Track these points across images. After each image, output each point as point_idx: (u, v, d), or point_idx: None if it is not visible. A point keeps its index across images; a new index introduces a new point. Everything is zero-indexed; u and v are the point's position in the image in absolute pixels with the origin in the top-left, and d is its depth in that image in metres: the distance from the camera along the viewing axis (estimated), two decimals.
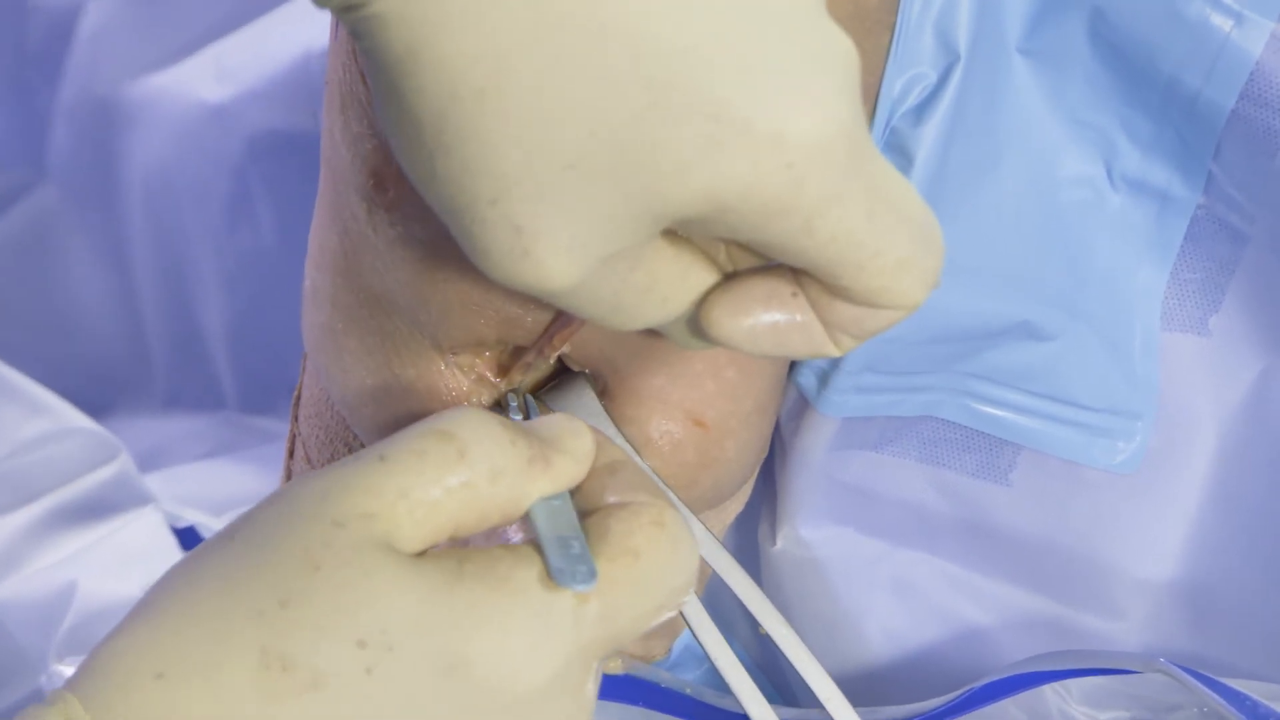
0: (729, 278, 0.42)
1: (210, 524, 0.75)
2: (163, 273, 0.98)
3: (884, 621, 0.65)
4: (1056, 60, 0.55)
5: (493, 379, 0.54)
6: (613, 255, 0.39)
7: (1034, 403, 0.59)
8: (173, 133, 0.93)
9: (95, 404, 0.85)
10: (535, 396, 0.54)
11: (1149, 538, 0.60)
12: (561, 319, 0.51)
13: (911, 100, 0.54)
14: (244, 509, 0.38)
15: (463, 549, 0.40)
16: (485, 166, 0.37)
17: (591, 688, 0.40)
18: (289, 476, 0.65)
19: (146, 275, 0.99)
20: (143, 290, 0.99)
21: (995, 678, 0.57)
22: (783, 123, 0.36)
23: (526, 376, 0.54)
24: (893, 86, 0.53)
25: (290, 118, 0.90)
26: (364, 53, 0.37)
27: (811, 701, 0.53)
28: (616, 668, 0.59)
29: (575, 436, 0.43)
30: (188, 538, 0.74)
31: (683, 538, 0.42)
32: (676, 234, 0.41)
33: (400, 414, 0.54)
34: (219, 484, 0.86)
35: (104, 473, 0.75)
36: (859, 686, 0.65)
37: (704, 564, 0.52)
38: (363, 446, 0.58)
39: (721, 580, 0.52)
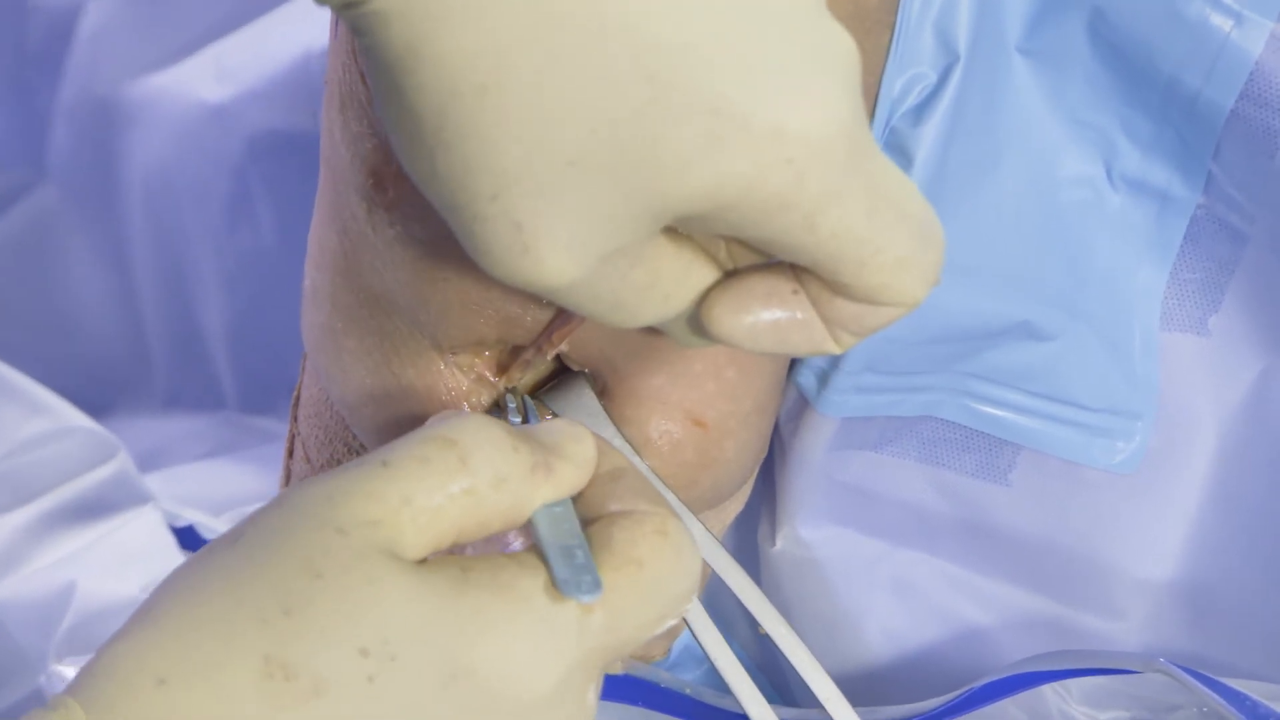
0: (729, 275, 0.42)
1: (210, 524, 0.75)
2: (163, 273, 0.98)
3: (884, 621, 0.65)
4: (1056, 60, 0.54)
5: (492, 379, 0.54)
6: (613, 252, 0.39)
7: (1034, 403, 0.59)
8: (173, 133, 0.93)
9: (95, 404, 0.85)
10: (534, 397, 0.54)
11: (1149, 538, 0.60)
12: (561, 316, 0.51)
13: (911, 100, 0.54)
14: (244, 509, 0.38)
15: (465, 556, 0.40)
16: (486, 163, 0.37)
17: (593, 695, 0.40)
18: (288, 476, 0.65)
19: (146, 275, 0.99)
20: (143, 290, 0.99)
21: (995, 678, 0.57)
22: (783, 119, 0.36)
23: (526, 374, 0.54)
24: (892, 86, 0.53)
25: (290, 118, 0.90)
26: (364, 50, 0.37)
27: (811, 701, 0.53)
28: (616, 668, 0.59)
29: (577, 442, 0.43)
30: (187, 537, 0.74)
31: (686, 546, 0.42)
32: (677, 231, 0.41)
33: (400, 414, 0.54)
34: (219, 484, 0.85)
35: (103, 472, 0.74)
36: (859, 686, 0.65)
37: (704, 564, 0.52)
38: (362, 447, 0.58)
39: (721, 580, 0.52)
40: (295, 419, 0.63)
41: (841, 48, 0.37)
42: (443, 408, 0.54)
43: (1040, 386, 0.58)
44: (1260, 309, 0.56)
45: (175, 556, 0.71)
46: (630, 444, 0.53)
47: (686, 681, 0.61)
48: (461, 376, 0.53)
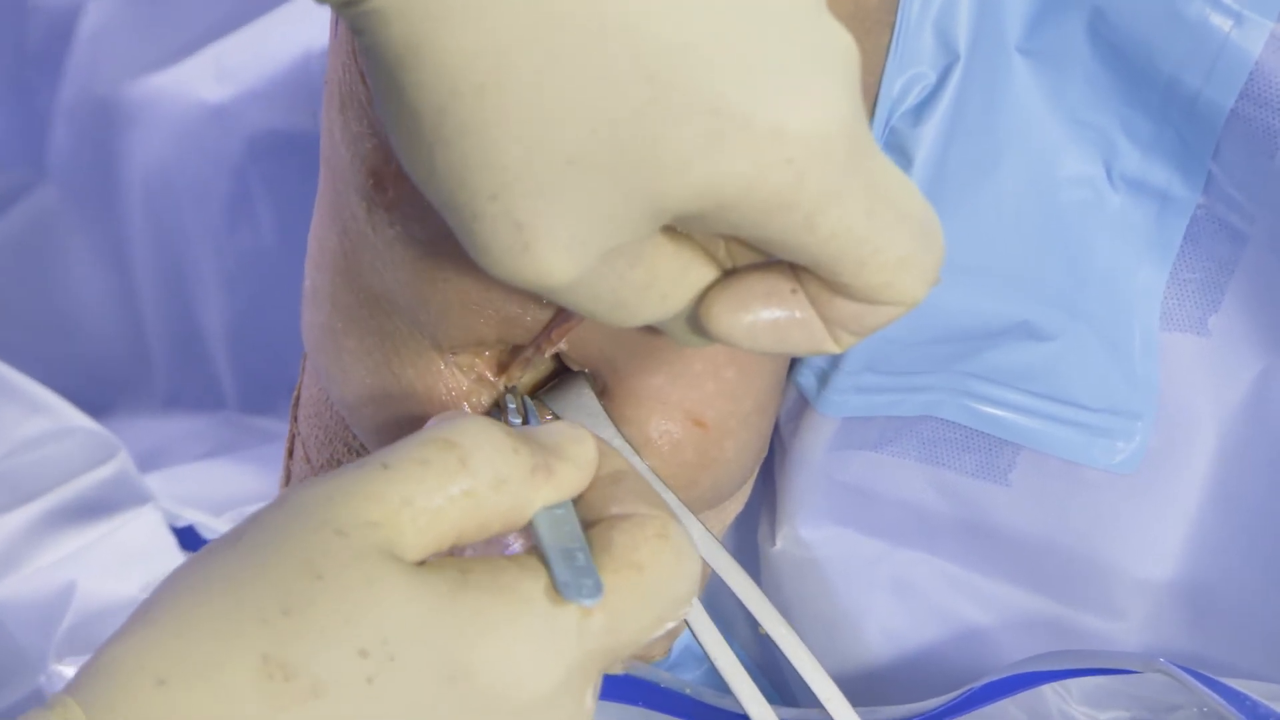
0: (728, 274, 0.42)
1: (210, 524, 0.75)
2: (163, 273, 0.98)
3: (884, 621, 0.65)
4: (1056, 60, 0.54)
5: (492, 378, 0.54)
6: (612, 251, 0.39)
7: (1034, 403, 0.59)
8: (173, 133, 0.93)
9: (95, 404, 0.85)
10: (534, 397, 0.54)
11: (1149, 538, 0.60)
12: (560, 315, 0.51)
13: (911, 100, 0.54)
14: (244, 509, 0.38)
15: (465, 558, 0.40)
16: (485, 162, 0.37)
17: (591, 698, 0.41)
18: (289, 476, 0.65)
19: (146, 275, 0.99)
20: (143, 290, 0.99)
21: (995, 678, 0.57)
22: (783, 118, 0.36)
23: (526, 374, 0.54)
24: (892, 86, 0.53)
25: (290, 118, 0.90)
26: (364, 48, 0.37)
27: (811, 701, 0.53)
28: (616, 668, 0.59)
29: (578, 444, 0.43)
30: (187, 537, 0.74)
31: (686, 550, 0.42)
32: (676, 231, 0.41)
33: (400, 414, 0.54)
34: (219, 484, 0.85)
35: (103, 472, 0.75)
36: (859, 686, 0.65)
37: (704, 564, 0.52)
38: (362, 447, 0.58)
39: (721, 580, 0.52)
40: (295, 419, 0.63)
41: (841, 47, 0.37)
42: (443, 408, 0.54)
43: (1040, 386, 0.58)
44: (1260, 309, 0.56)
45: (175, 557, 0.71)
46: (630, 444, 0.53)
47: (686, 681, 0.61)
48: (461, 376, 0.53)
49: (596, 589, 0.39)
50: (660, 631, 0.42)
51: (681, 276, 0.41)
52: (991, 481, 0.61)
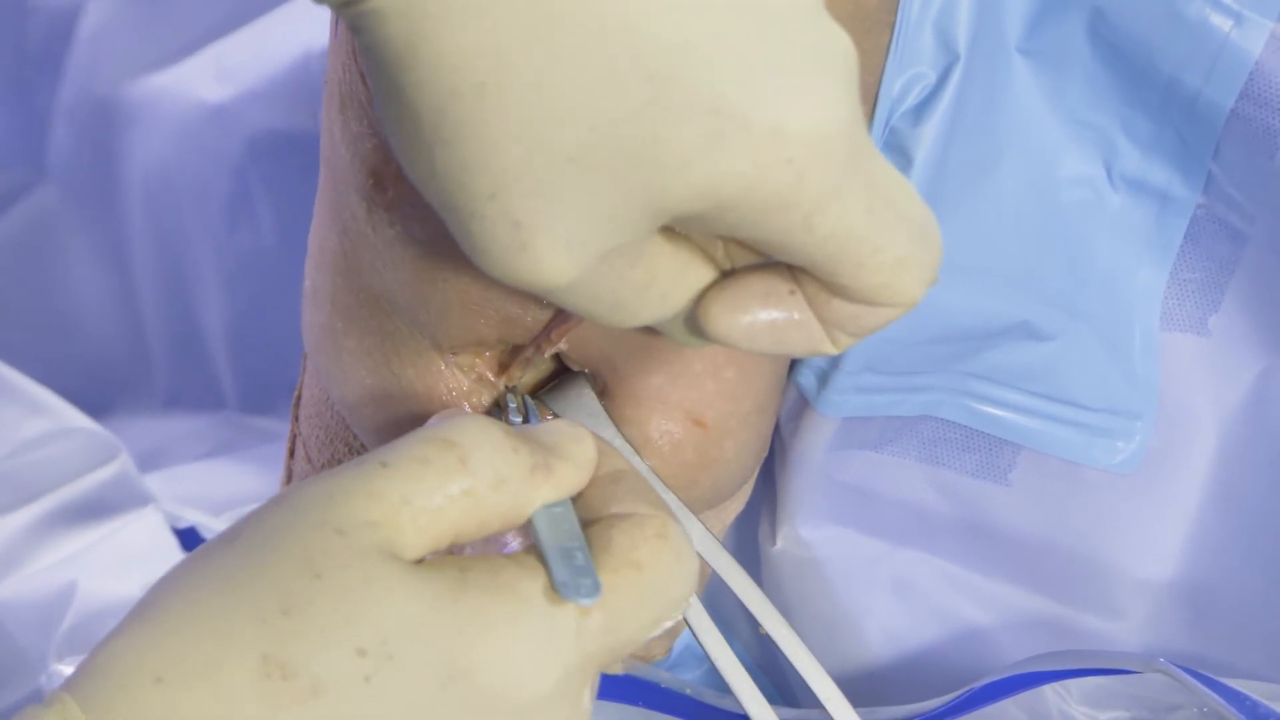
0: (727, 275, 0.42)
1: (210, 524, 0.75)
2: (163, 273, 0.98)
3: (884, 621, 0.65)
4: (1056, 60, 0.54)
5: (492, 378, 0.54)
6: (611, 251, 0.39)
7: (1034, 403, 0.59)
8: (173, 133, 0.93)
9: (95, 404, 0.85)
10: (534, 397, 0.54)
11: (1149, 538, 0.60)
12: (560, 315, 0.51)
13: (911, 100, 0.54)
14: (244, 509, 0.38)
15: (464, 557, 0.40)
16: (484, 162, 0.37)
17: (589, 697, 0.41)
18: (290, 476, 0.65)
19: (146, 275, 0.99)
20: (143, 290, 0.99)
21: (995, 678, 0.57)
22: (783, 118, 0.36)
23: (526, 373, 0.54)
24: (892, 86, 0.53)
25: (290, 118, 0.90)
26: (363, 48, 0.37)
27: (812, 702, 0.53)
28: (616, 668, 0.59)
29: (577, 443, 0.43)
30: (188, 538, 0.74)
31: (685, 550, 0.42)
32: (675, 231, 0.41)
33: (400, 414, 0.54)
34: (219, 484, 0.85)
35: (104, 473, 0.75)
36: (859, 686, 0.65)
37: (704, 564, 0.52)
38: (363, 447, 0.58)
39: (721, 580, 0.52)
40: (296, 419, 0.63)
41: (840, 48, 0.37)
42: (443, 408, 0.54)
43: (1040, 386, 0.58)
44: (1260, 309, 0.56)
45: (176, 558, 0.71)
46: (630, 444, 0.53)
47: (687, 681, 0.61)
48: (462, 376, 0.53)
49: (595, 588, 0.39)
50: (658, 631, 0.42)
51: (680, 277, 0.41)
52: (991, 481, 0.61)
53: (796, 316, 0.41)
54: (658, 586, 0.41)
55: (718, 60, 0.36)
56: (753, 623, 0.57)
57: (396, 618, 0.37)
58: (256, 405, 0.97)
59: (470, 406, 0.54)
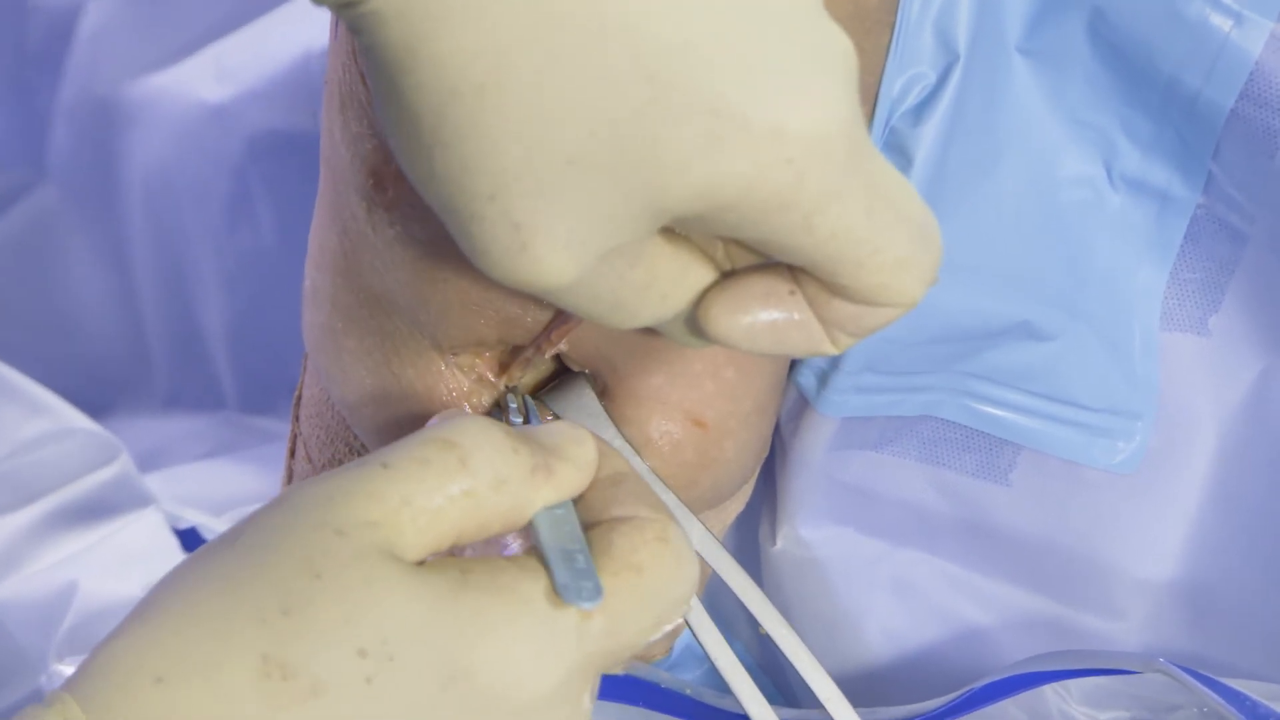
0: (727, 276, 0.42)
1: (211, 524, 0.75)
2: (163, 273, 0.98)
3: (884, 621, 0.65)
4: (1056, 60, 0.54)
5: (492, 379, 0.54)
6: (611, 252, 0.39)
7: (1034, 403, 0.59)
8: (173, 133, 0.93)
9: (95, 404, 0.85)
10: (535, 397, 0.54)
11: (1149, 538, 0.60)
12: (560, 316, 0.51)
13: (911, 100, 0.54)
14: (244, 509, 0.38)
15: (464, 558, 0.40)
16: (484, 163, 0.37)
17: (588, 699, 0.41)
18: (290, 476, 0.65)
19: (146, 275, 0.99)
20: (143, 290, 0.99)
21: (995, 678, 0.57)
22: (783, 119, 0.36)
23: (526, 373, 0.54)
24: (892, 86, 0.53)
25: (290, 118, 0.90)
26: (363, 50, 0.37)
27: (812, 702, 0.53)
28: (617, 669, 0.59)
29: (578, 444, 0.43)
30: (189, 539, 0.74)
31: (685, 553, 0.42)
32: (675, 232, 0.41)
33: (400, 414, 0.54)
34: (219, 484, 0.86)
35: (104, 473, 0.75)
36: (859, 686, 0.65)
37: (704, 564, 0.52)
38: (363, 447, 0.58)
39: (722, 580, 0.52)
40: (297, 419, 0.63)
41: (840, 48, 0.37)
42: (443, 408, 0.54)
43: (1040, 386, 0.58)
44: (1260, 309, 0.56)
45: (177, 558, 0.71)
46: (630, 444, 0.53)
47: (687, 682, 0.61)
48: (462, 377, 0.53)
49: (596, 592, 0.39)
50: (658, 634, 0.42)
51: (680, 278, 0.41)
52: (992, 481, 0.61)
53: (797, 317, 0.41)
54: (658, 590, 0.41)
55: (718, 60, 0.36)
56: (753, 623, 0.57)
57: (397, 618, 0.37)
58: (256, 405, 0.97)
59: (470, 407, 0.54)
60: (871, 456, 0.61)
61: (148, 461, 0.86)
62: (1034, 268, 0.56)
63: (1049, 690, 0.56)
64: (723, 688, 0.56)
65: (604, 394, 0.54)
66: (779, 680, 0.68)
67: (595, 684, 0.41)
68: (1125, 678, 0.55)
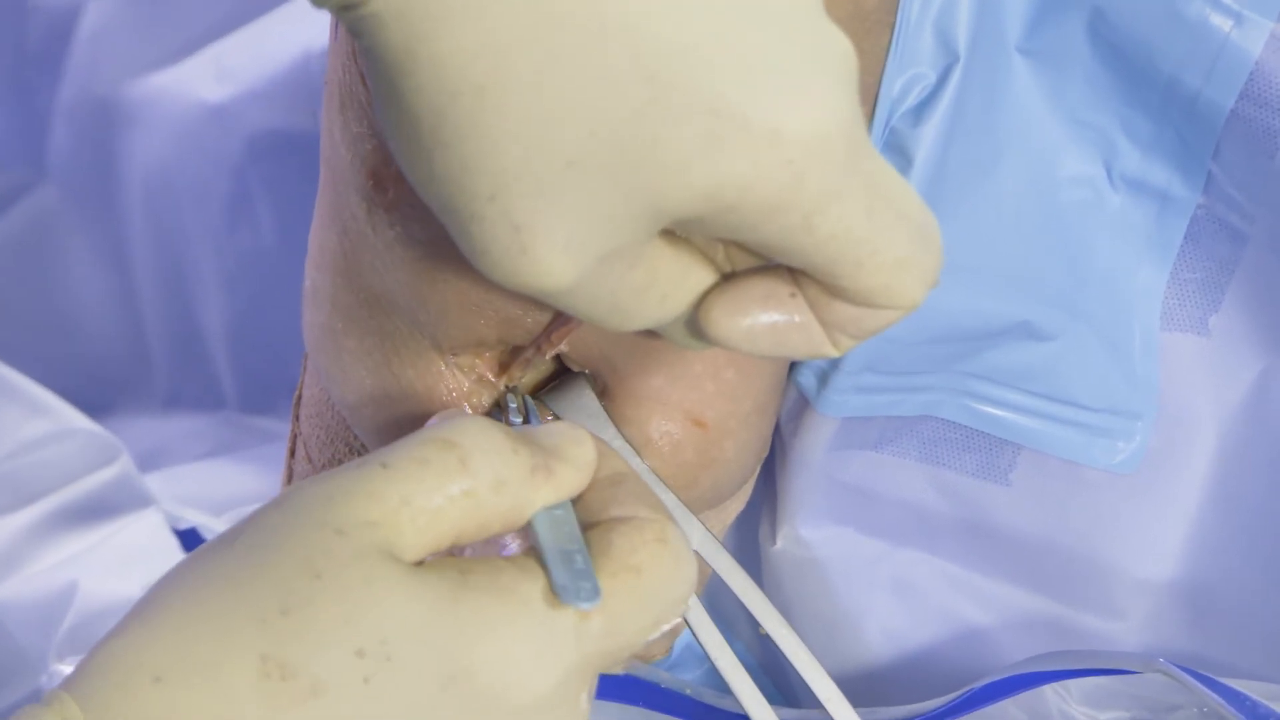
0: (727, 278, 0.42)
1: (211, 524, 0.75)
2: (163, 273, 0.98)
3: (884, 621, 0.65)
4: (1056, 60, 0.54)
5: (492, 379, 0.54)
6: (611, 254, 0.39)
7: (1034, 403, 0.59)
8: (173, 133, 0.93)
9: (95, 404, 0.85)
10: (535, 397, 0.54)
11: (1149, 538, 0.60)
12: (560, 316, 0.51)
13: (911, 100, 0.54)
14: (244, 509, 0.38)
15: (464, 559, 0.40)
16: (484, 164, 0.37)
17: (586, 700, 0.41)
18: (290, 476, 0.65)
19: (146, 275, 0.99)
20: (143, 290, 0.99)
21: (995, 678, 0.57)
22: (782, 120, 0.36)
23: (526, 374, 0.54)
24: (892, 86, 0.53)
25: (290, 118, 0.90)
26: (363, 52, 0.37)
27: (812, 702, 0.53)
28: (617, 669, 0.59)
29: (577, 445, 0.43)
30: (189, 539, 0.74)
31: (684, 554, 0.42)
32: (675, 234, 0.41)
33: (400, 415, 0.54)
34: (219, 484, 0.86)
35: (105, 474, 0.75)
36: (859, 686, 0.65)
37: (704, 564, 0.52)
38: (364, 447, 0.58)
39: (722, 580, 0.52)
40: (297, 419, 0.63)
41: (839, 48, 0.37)
42: (443, 408, 0.54)
43: (1040, 386, 0.58)
44: (1260, 309, 0.56)
45: (177, 558, 0.71)
46: (630, 444, 0.53)
47: (687, 681, 0.61)
48: (462, 377, 0.53)
49: (594, 592, 0.39)
50: (656, 635, 0.42)
51: (680, 280, 0.41)
52: (992, 481, 0.61)
53: (797, 319, 0.41)
54: (657, 590, 0.41)
55: (717, 61, 0.36)
56: (753, 623, 0.57)
57: (396, 618, 0.37)
58: (256, 405, 0.97)
59: (470, 407, 0.54)
60: (871, 456, 0.61)
61: (148, 461, 0.86)
62: (1034, 268, 0.56)
63: (1049, 690, 0.56)
64: (723, 688, 0.56)
65: (604, 394, 0.54)
66: (779, 680, 0.68)
67: (593, 684, 0.41)
68: (1125, 678, 0.55)
